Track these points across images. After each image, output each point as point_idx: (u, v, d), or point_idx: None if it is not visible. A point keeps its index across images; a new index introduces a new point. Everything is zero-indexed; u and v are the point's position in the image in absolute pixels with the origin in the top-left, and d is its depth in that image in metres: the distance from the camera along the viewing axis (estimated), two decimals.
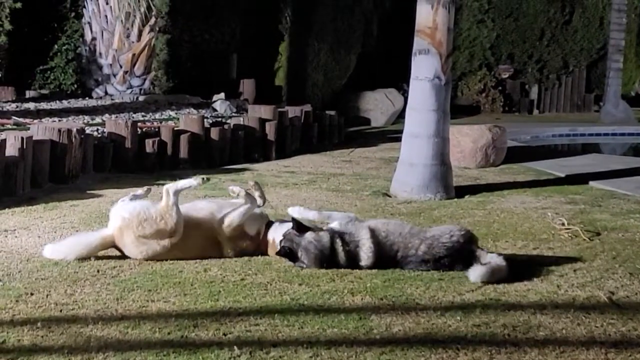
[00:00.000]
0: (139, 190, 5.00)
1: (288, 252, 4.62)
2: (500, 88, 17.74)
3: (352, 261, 4.60)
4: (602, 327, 3.76)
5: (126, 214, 4.65)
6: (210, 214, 4.78)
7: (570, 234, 5.59)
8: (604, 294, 4.27)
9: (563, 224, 5.80)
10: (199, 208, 4.85)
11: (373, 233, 4.63)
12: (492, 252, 4.69)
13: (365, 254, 4.59)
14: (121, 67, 11.84)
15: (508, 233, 5.68)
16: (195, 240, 4.71)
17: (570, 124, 15.54)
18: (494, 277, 4.40)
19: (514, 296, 4.19)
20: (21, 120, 8.70)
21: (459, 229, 4.76)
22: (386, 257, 4.61)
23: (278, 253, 4.69)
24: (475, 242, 4.74)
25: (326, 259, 4.58)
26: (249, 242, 4.81)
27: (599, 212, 6.52)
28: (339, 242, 4.60)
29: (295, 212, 4.82)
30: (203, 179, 4.77)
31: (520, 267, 4.65)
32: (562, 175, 8.63)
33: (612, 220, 6.18)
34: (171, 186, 4.70)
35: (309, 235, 4.61)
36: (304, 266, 4.60)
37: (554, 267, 4.76)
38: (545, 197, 7.20)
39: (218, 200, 5.16)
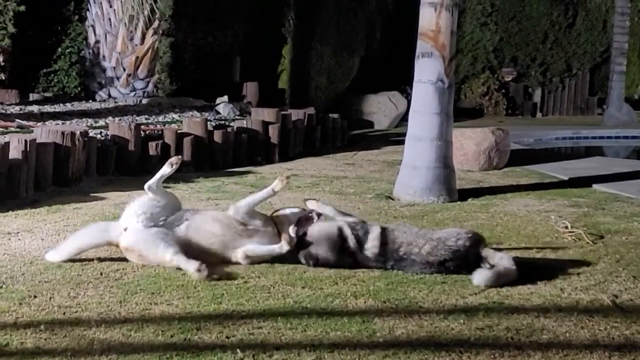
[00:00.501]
0: (166, 168, 4.73)
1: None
2: (503, 91, 17.73)
3: (360, 247, 4.63)
4: (606, 330, 3.76)
5: (131, 242, 4.57)
6: (222, 244, 4.66)
7: (573, 237, 5.59)
8: (607, 297, 4.26)
9: (566, 227, 5.79)
10: (210, 234, 4.66)
11: (383, 229, 4.70)
12: (501, 252, 4.70)
13: (372, 241, 4.61)
14: (124, 70, 11.84)
15: (511, 236, 5.67)
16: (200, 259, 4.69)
17: (574, 127, 15.52)
18: (499, 282, 4.39)
19: (517, 299, 4.19)
20: (25, 123, 8.71)
21: (466, 232, 4.75)
22: (390, 251, 4.61)
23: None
24: (482, 244, 4.73)
25: (336, 246, 4.65)
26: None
27: (603, 215, 6.52)
28: (347, 230, 4.67)
29: (313, 205, 4.90)
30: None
31: (524, 270, 4.65)
32: (566, 178, 8.62)
33: (615, 223, 6.17)
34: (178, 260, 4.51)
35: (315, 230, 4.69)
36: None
37: (557, 270, 4.75)
38: (548, 200, 7.20)
39: (232, 221, 4.77)
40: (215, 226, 4.71)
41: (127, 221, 4.65)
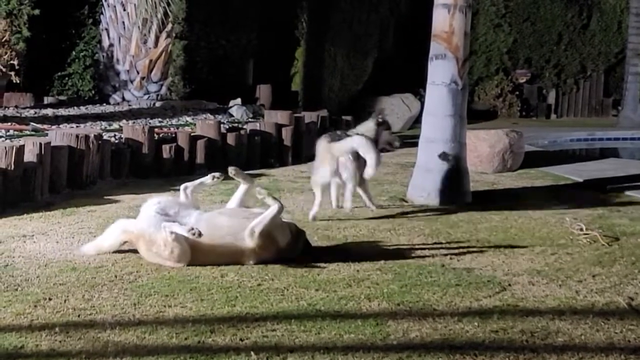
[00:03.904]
0: (208, 179, 5.12)
1: None
2: (517, 93, 17.66)
3: None
4: (622, 332, 3.73)
5: (140, 227, 4.70)
6: (233, 236, 4.69)
7: (588, 239, 5.56)
8: (623, 299, 4.24)
9: (581, 229, 5.76)
10: (220, 226, 4.74)
11: None
12: None
13: None
14: (138, 73, 11.88)
15: (526, 238, 5.65)
16: (212, 257, 4.69)
17: (588, 129, 15.44)
18: None
19: (532, 302, 4.17)
20: (39, 126, 8.75)
21: None
22: None
23: None
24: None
25: None
26: (275, 253, 4.76)
27: (618, 217, 6.48)
28: None
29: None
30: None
31: (539, 273, 4.63)
32: (580, 180, 8.57)
33: (631, 225, 6.14)
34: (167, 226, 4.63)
35: None
36: None
37: (572, 272, 4.73)
38: None
39: (239, 211, 5.01)
40: (224, 219, 4.82)
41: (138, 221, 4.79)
